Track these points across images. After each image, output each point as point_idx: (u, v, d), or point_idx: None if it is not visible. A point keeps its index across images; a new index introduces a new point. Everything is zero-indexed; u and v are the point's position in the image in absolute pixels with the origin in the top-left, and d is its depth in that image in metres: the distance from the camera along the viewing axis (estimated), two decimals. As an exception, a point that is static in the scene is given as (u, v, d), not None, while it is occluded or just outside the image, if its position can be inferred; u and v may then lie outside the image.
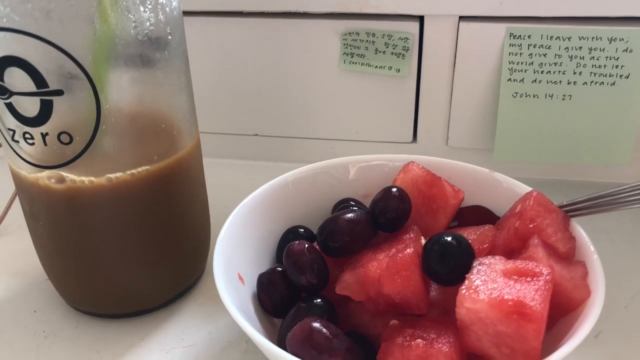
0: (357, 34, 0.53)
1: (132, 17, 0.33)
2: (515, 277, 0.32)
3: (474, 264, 0.33)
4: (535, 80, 0.51)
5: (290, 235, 0.41)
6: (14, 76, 0.32)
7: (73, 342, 0.40)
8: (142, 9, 0.33)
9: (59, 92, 0.33)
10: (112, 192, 0.36)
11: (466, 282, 0.32)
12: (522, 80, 0.51)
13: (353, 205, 0.42)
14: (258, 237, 0.40)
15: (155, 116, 0.37)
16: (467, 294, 0.31)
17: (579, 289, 0.33)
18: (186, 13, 0.52)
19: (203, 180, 0.44)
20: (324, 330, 0.31)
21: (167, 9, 0.35)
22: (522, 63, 0.51)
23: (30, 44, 0.31)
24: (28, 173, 0.36)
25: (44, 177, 0.36)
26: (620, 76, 0.50)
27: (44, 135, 0.34)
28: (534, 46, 0.50)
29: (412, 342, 0.32)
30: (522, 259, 0.34)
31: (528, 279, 0.31)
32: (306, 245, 0.36)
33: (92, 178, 0.36)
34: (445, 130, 0.56)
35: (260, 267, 0.39)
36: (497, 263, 0.33)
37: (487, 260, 0.33)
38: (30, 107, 0.33)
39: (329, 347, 0.31)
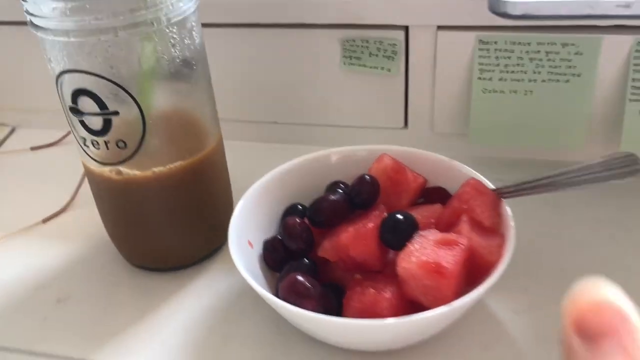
0: (354, 40, 0.63)
1: (165, 57, 0.45)
2: (441, 245, 0.43)
3: (415, 235, 0.45)
4: (501, 79, 0.61)
5: (291, 210, 0.53)
6: (84, 102, 0.45)
7: (131, 290, 0.54)
8: (173, 51, 0.45)
9: (115, 113, 0.45)
10: (155, 180, 0.49)
11: (406, 247, 0.43)
12: (491, 78, 0.61)
13: (341, 186, 0.54)
14: (265, 213, 0.52)
15: (185, 125, 0.49)
16: (403, 257, 0.42)
17: (492, 254, 0.44)
18: (213, 25, 0.65)
19: (225, 167, 0.56)
20: (304, 281, 0.44)
21: (192, 47, 0.47)
22: (490, 64, 0.60)
23: (94, 80, 0.44)
24: (95, 168, 0.50)
25: (107, 171, 0.49)
26: (573, 75, 0.59)
27: (106, 142, 0.47)
28: (500, 50, 0.60)
29: (366, 290, 0.44)
30: (453, 232, 0.46)
31: (450, 247, 0.43)
32: (297, 220, 0.48)
33: (141, 171, 0.49)
34: (431, 119, 0.66)
35: (268, 234, 0.51)
36: (432, 235, 0.44)
37: (424, 232, 0.45)
38: (96, 123, 0.46)
39: (307, 293, 0.43)
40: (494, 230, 0.47)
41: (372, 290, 0.44)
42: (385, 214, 0.47)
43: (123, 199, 0.51)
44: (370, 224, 0.46)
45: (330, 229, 0.48)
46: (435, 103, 0.65)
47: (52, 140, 0.75)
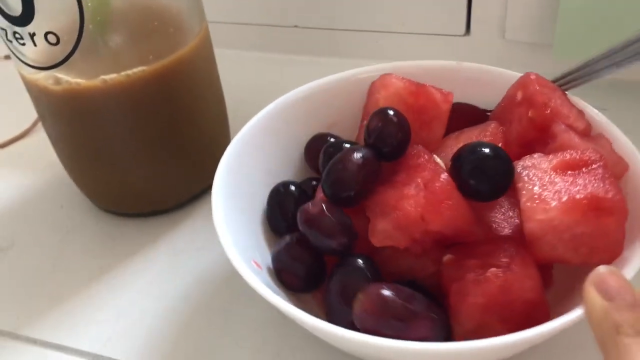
0: None
1: None
2: (570, 171, 0.29)
3: (518, 170, 0.30)
4: (608, -39, 0.43)
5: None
6: (-7, -27, 0.31)
7: (91, 239, 0.41)
8: None
9: (37, -11, 0.31)
10: (108, 93, 0.35)
11: (523, 192, 0.29)
12: (593, -39, 0.43)
13: (331, 137, 0.37)
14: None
15: (146, 12, 0.35)
16: (533, 205, 0.28)
17: (618, 164, 0.31)
18: None
19: (214, 79, 0.42)
20: (397, 295, 0.27)
21: None
22: (593, -60, 0.43)
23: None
24: (28, 74, 0.36)
25: (41, 78, 0.35)
26: None
27: (31, 35, 0.33)
28: None
29: (488, 274, 0.28)
30: (552, 150, 0.31)
31: (584, 169, 0.29)
32: (324, 205, 0.31)
33: (87, 80, 0.35)
34: (502, 21, 0.50)
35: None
36: (541, 162, 0.30)
37: (527, 162, 0.30)
38: (14, 5, 0.32)
39: (411, 312, 0.27)
40: (588, 133, 0.33)
41: (495, 270, 0.28)
42: (435, 157, 0.32)
43: (69, 117, 0.37)
44: (441, 175, 0.30)
45: (362, 204, 0.32)
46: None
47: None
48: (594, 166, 0.29)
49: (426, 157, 0.31)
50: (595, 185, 0.28)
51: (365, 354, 0.30)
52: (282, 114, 0.37)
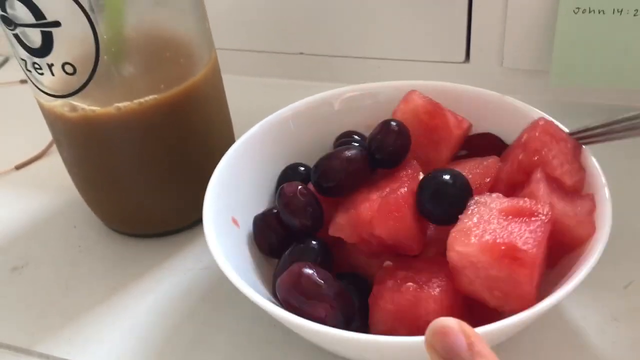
0: (402, -57, 0.48)
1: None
2: (511, 217, 0.30)
3: (470, 203, 0.31)
4: (601, -7, 0.45)
5: (290, 172, 0.40)
6: (16, 8, 0.33)
7: (104, 259, 0.43)
8: None
9: (56, 24, 0.33)
10: (121, 120, 0.37)
11: (458, 222, 0.30)
12: (586, -7, 0.45)
13: (355, 138, 0.40)
14: (256, 177, 0.39)
15: (158, 44, 0.37)
16: (457, 236, 0.30)
17: (583, 226, 0.31)
18: None
19: (223, 105, 0.43)
20: (313, 275, 0.30)
21: None
22: (586, -27, 0.44)
23: (24, -24, 0.32)
24: (45, 101, 0.38)
25: (58, 105, 0.37)
26: None
27: (50, 66, 0.35)
28: (602, -48, 0.43)
29: (403, 286, 0.31)
30: (522, 195, 0.32)
31: (525, 219, 0.30)
32: (299, 187, 0.35)
33: (101, 107, 0.36)
34: (500, 49, 0.51)
35: (260, 207, 0.38)
36: (494, 201, 0.31)
37: (483, 198, 0.31)
38: (34, 38, 0.34)
39: (317, 293, 0.30)
40: (578, 191, 0.34)
41: (410, 285, 0.31)
42: (422, 174, 0.34)
43: (83, 143, 0.39)
44: (402, 188, 0.33)
45: (345, 197, 0.35)
46: (508, 28, 0.50)
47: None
48: (534, 218, 0.29)
49: (410, 171, 0.34)
50: (520, 234, 0.28)
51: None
52: (263, 137, 0.40)
